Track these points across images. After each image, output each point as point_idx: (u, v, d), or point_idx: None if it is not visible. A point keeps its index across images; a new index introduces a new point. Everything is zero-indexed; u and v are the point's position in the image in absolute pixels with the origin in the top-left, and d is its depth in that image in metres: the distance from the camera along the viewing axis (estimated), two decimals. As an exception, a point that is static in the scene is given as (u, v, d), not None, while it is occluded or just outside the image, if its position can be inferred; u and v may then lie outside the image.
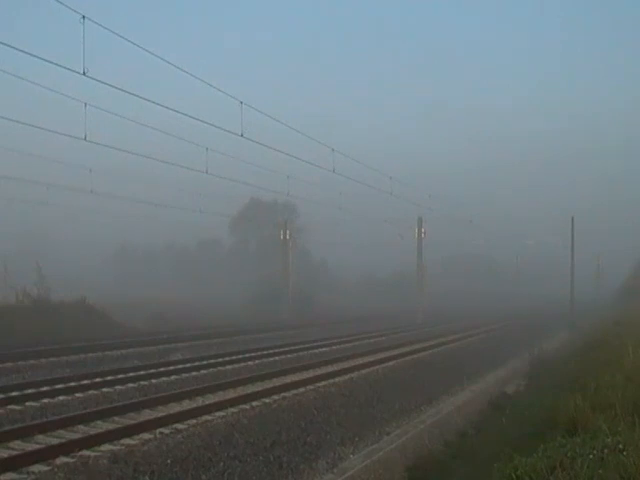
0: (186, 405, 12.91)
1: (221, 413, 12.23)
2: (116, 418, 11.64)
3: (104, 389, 14.62)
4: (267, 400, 13.67)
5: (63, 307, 29.92)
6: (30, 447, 9.51)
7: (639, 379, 9.48)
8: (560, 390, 11.60)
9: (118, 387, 14.98)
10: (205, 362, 19.32)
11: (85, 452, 9.34)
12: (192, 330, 30.70)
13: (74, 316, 29.29)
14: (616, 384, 9.48)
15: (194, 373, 17.52)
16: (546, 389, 13.96)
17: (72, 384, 14.73)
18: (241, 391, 14.51)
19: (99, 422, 11.29)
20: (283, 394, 14.38)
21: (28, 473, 8.43)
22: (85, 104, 19.51)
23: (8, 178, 32.95)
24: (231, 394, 14.05)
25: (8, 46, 14.59)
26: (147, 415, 11.94)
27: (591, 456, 6.09)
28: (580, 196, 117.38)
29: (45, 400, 13.09)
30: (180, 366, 18.39)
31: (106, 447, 9.69)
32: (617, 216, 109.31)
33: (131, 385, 15.30)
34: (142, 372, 17.02)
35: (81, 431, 10.65)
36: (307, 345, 25.25)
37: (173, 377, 16.72)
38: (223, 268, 67.87)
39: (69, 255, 65.15)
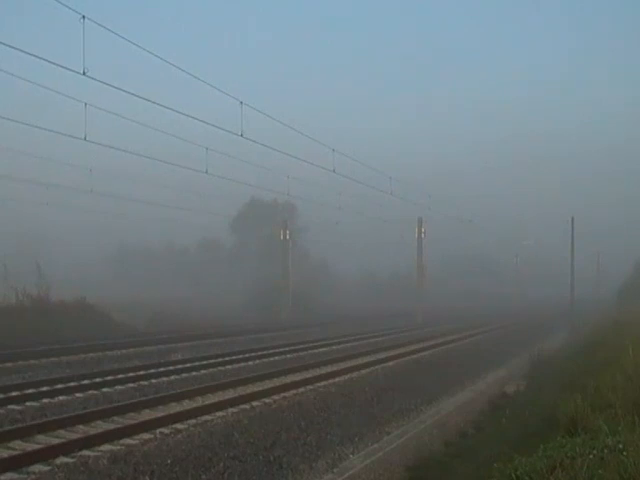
0: (186, 405, 12.91)
1: (221, 413, 12.23)
2: (116, 418, 11.63)
3: (104, 389, 14.63)
4: (267, 400, 13.67)
5: (63, 307, 29.94)
6: (30, 447, 9.51)
7: (639, 379, 9.48)
8: (560, 390, 11.61)
9: (118, 387, 14.99)
10: (205, 362, 19.32)
11: (85, 452, 9.34)
12: (192, 330, 30.70)
13: (74, 316, 29.29)
14: (616, 384, 9.47)
15: (194, 373, 17.53)
16: (546, 389, 13.97)
17: (72, 384, 14.73)
18: (241, 391, 14.51)
19: (99, 422, 11.29)
20: (283, 394, 14.38)
21: (28, 473, 8.43)
22: (85, 104, 19.55)
23: (8, 178, 33.02)
24: (231, 394, 14.05)
25: (8, 46, 14.62)
26: (147, 415, 11.93)
27: (591, 456, 6.09)
28: (580, 196, 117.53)
29: (45, 400, 13.10)
30: (180, 366, 18.39)
31: (106, 447, 9.69)
32: (617, 216, 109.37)
33: (131, 385, 15.31)
34: (142, 372, 17.03)
35: (81, 431, 10.65)
36: (307, 345, 25.25)
37: (173, 377, 16.72)
38: (223, 268, 67.76)
39: (69, 255, 65.09)
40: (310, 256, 68.12)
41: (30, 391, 13.77)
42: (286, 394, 14.42)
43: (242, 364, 19.64)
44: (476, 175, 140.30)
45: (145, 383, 15.65)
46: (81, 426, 10.92)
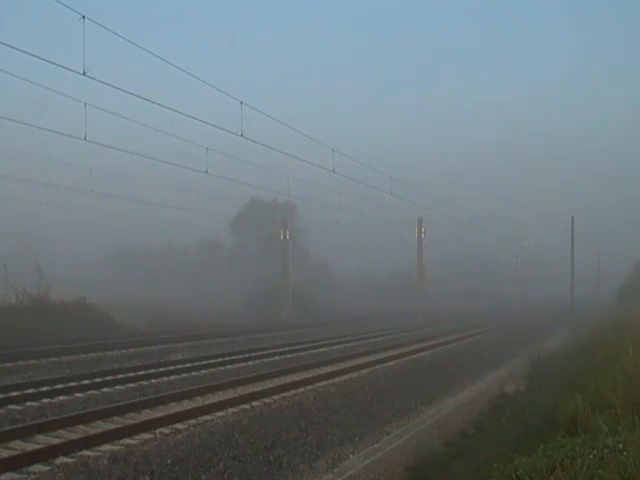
0: (186, 405, 12.91)
1: (221, 413, 12.24)
2: (116, 418, 11.63)
3: (104, 389, 14.63)
4: (267, 400, 13.67)
5: (63, 307, 29.94)
6: (30, 447, 9.51)
7: (639, 379, 9.48)
8: (560, 390, 11.61)
9: (118, 387, 14.99)
10: (205, 362, 19.32)
11: (85, 452, 9.34)
12: (192, 330, 30.70)
13: (74, 316, 29.30)
14: (616, 384, 9.48)
15: (194, 373, 17.53)
16: (546, 389, 13.97)
17: (72, 384, 14.73)
18: (241, 391, 14.51)
19: (99, 422, 11.29)
20: (283, 394, 14.38)
21: (28, 473, 8.43)
22: (85, 104, 19.56)
23: (8, 178, 33.03)
24: (231, 394, 14.05)
25: (8, 46, 14.62)
26: (147, 415, 11.93)
27: (591, 456, 6.09)
28: (580, 196, 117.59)
29: (45, 400, 13.10)
30: (180, 366, 18.39)
31: (106, 447, 9.69)
32: (617, 216, 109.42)
33: (131, 385, 15.31)
34: (142, 372, 17.03)
35: (81, 431, 10.65)
36: (307, 345, 25.25)
37: (173, 377, 16.72)
38: (223, 268, 67.74)
39: (69, 255, 65.07)
40: (310, 256, 68.12)
41: (30, 391, 13.77)
42: (286, 394, 14.42)
43: (242, 364, 19.64)
44: (476, 175, 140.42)
45: (145, 383, 15.65)
46: (81, 426, 10.92)
